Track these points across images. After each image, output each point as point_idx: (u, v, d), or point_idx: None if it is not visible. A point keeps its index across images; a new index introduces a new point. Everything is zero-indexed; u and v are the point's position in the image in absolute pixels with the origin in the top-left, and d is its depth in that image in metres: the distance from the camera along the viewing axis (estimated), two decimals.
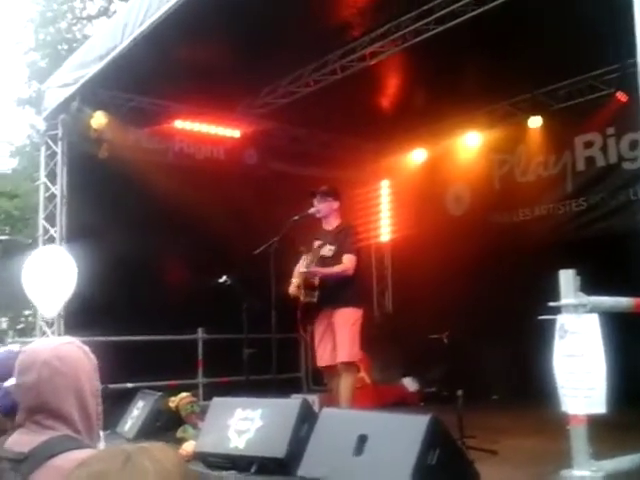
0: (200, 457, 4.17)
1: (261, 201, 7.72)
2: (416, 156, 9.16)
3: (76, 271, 6.37)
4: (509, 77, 6.69)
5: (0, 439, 1.66)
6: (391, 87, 7.80)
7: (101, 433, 1.84)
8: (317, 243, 5.41)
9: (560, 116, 7.57)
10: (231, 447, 4.00)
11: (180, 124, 7.86)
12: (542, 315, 2.70)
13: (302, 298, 5.31)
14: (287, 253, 5.54)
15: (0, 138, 25.92)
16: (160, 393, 5.93)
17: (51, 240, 7.09)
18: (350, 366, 5.29)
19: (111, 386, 5.33)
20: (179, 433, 5.40)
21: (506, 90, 7.49)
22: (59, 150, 7.25)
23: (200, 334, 7.49)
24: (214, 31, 5.77)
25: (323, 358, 5.39)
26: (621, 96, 6.88)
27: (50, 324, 6.94)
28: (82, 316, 6.48)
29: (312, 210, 5.51)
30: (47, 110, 7.39)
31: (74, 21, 20.91)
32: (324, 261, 5.31)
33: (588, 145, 7.53)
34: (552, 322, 2.68)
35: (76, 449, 1.53)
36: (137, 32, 5.59)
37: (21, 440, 1.59)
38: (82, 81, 6.57)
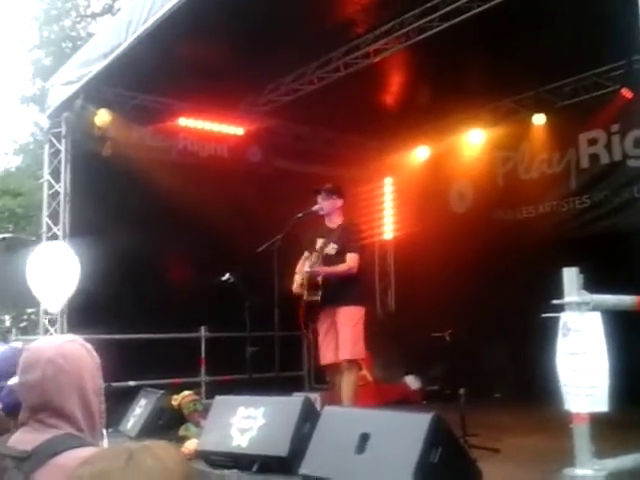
0: (202, 455, 4.17)
1: (264, 199, 7.71)
2: (419, 153, 9.15)
3: (79, 268, 6.38)
4: (513, 74, 6.67)
5: (3, 437, 1.66)
6: (395, 84, 7.79)
7: (104, 431, 1.84)
8: (320, 242, 5.40)
9: (564, 113, 7.55)
10: (233, 445, 4.00)
11: (184, 122, 7.86)
12: (545, 313, 2.70)
13: (305, 297, 5.32)
14: (290, 251, 5.54)
15: (4, 136, 26.02)
16: (162, 391, 5.93)
17: (54, 237, 7.10)
18: (352, 364, 5.29)
19: (114, 384, 5.36)
20: (181, 431, 5.41)
21: (510, 87, 7.47)
22: (63, 148, 7.26)
23: (203, 332, 7.49)
24: (218, 29, 5.77)
25: (326, 356, 5.39)
26: (626, 93, 6.86)
27: (53, 322, 6.96)
28: (85, 314, 6.49)
29: (315, 207, 5.51)
30: (51, 108, 7.40)
31: (78, 19, 20.93)
32: (327, 259, 5.31)
33: (592, 142, 7.51)
34: (555, 320, 2.68)
35: (79, 447, 1.54)
36: (141, 30, 5.59)
37: (24, 438, 1.60)
38: (86, 79, 6.57)
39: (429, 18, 6.06)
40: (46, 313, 7.03)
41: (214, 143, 8.26)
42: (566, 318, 2.64)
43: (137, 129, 7.51)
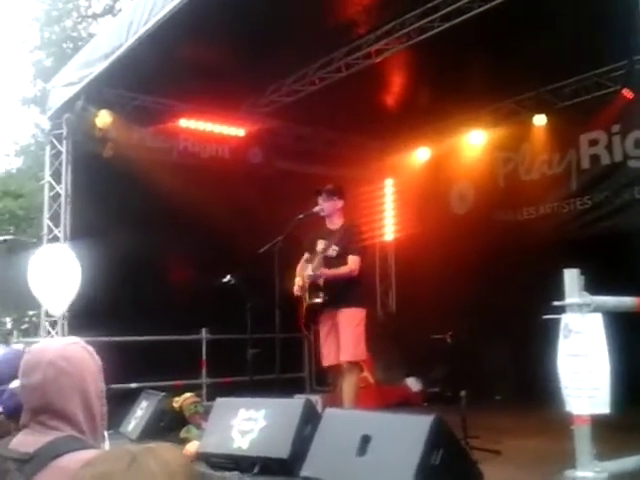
0: (203, 457, 4.17)
1: (266, 200, 7.71)
2: (420, 154, 9.15)
3: (80, 270, 6.38)
4: (514, 75, 6.67)
5: (4, 440, 1.66)
6: (396, 85, 7.79)
7: (105, 433, 1.84)
8: (321, 245, 5.40)
9: (565, 114, 7.55)
10: (234, 447, 4.01)
11: (185, 123, 7.87)
12: (546, 314, 2.69)
13: (307, 299, 5.32)
14: (291, 252, 5.54)
15: (5, 137, 26.04)
16: (164, 393, 5.94)
17: (55, 239, 7.10)
18: (353, 366, 5.29)
19: (115, 386, 5.35)
20: (183, 433, 5.42)
21: (511, 88, 7.46)
22: (64, 149, 7.26)
23: (204, 334, 7.49)
24: (219, 30, 5.77)
25: (328, 358, 5.39)
26: (627, 93, 6.85)
27: (54, 324, 6.96)
28: (86, 316, 6.48)
29: (316, 208, 5.52)
30: (52, 109, 7.40)
31: (79, 19, 20.96)
32: (329, 261, 5.31)
33: (593, 143, 7.50)
34: (556, 321, 2.68)
35: (81, 449, 1.53)
36: (142, 31, 5.59)
37: (26, 440, 1.59)
38: (87, 80, 6.57)
39: (430, 18, 6.06)
40: (47, 315, 7.03)
41: (215, 144, 8.26)
42: (567, 319, 2.64)
43: (138, 130, 7.51)
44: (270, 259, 5.35)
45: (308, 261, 5.50)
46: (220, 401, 4.50)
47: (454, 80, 6.73)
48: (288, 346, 5.85)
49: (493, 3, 5.51)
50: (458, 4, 5.80)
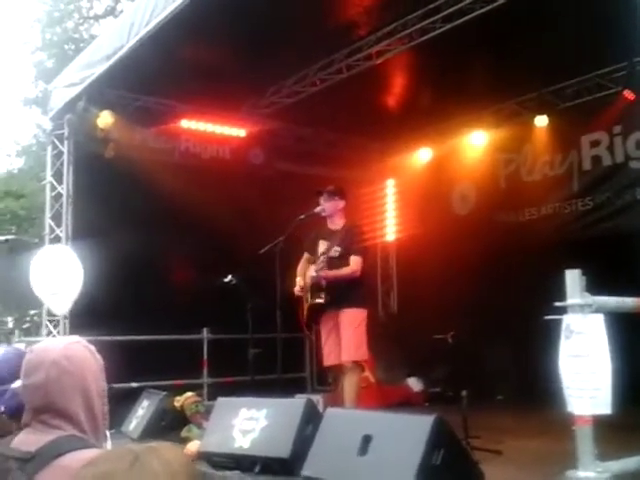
0: (204, 457, 4.17)
1: (267, 200, 7.72)
2: (422, 155, 9.15)
3: (82, 270, 6.39)
4: (516, 76, 6.66)
5: (6, 439, 1.66)
6: (397, 86, 7.79)
7: (107, 433, 1.84)
8: (323, 246, 5.40)
9: (566, 115, 7.55)
10: (235, 447, 4.01)
11: (186, 124, 7.87)
12: (548, 315, 2.70)
13: (309, 299, 5.33)
14: (293, 252, 5.55)
15: (7, 138, 26.07)
16: (165, 393, 5.94)
17: (57, 240, 7.11)
18: (355, 366, 5.30)
19: (116, 385, 5.35)
20: (184, 433, 5.42)
21: (513, 89, 7.47)
22: (65, 150, 7.26)
23: (205, 334, 7.49)
24: (220, 31, 5.77)
25: (329, 358, 5.40)
26: (628, 94, 6.85)
27: (56, 323, 6.97)
28: (88, 315, 6.48)
29: (318, 209, 5.52)
30: (53, 110, 7.41)
31: (81, 21, 20.97)
32: (331, 262, 5.31)
33: (594, 144, 7.50)
34: (558, 322, 2.68)
35: (83, 449, 1.54)
36: (143, 32, 5.60)
37: (28, 440, 1.60)
38: (89, 81, 6.58)
39: (432, 19, 6.06)
40: (49, 315, 7.04)
41: (216, 145, 8.27)
42: (569, 320, 2.64)
43: (140, 131, 7.52)
44: (271, 259, 5.35)
45: (310, 262, 5.50)
46: (221, 401, 4.50)
47: (456, 81, 6.73)
48: (289, 346, 5.85)
49: (495, 4, 5.51)
50: (460, 5, 5.79)
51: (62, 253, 6.62)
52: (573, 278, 2.62)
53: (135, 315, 6.69)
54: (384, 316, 9.35)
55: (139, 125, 7.46)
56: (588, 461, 2.52)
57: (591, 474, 2.51)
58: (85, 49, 8.13)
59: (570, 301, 2.61)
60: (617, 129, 7.25)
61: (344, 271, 5.27)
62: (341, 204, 5.55)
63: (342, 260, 5.31)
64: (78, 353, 1.69)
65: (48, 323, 7.07)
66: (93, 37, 16.51)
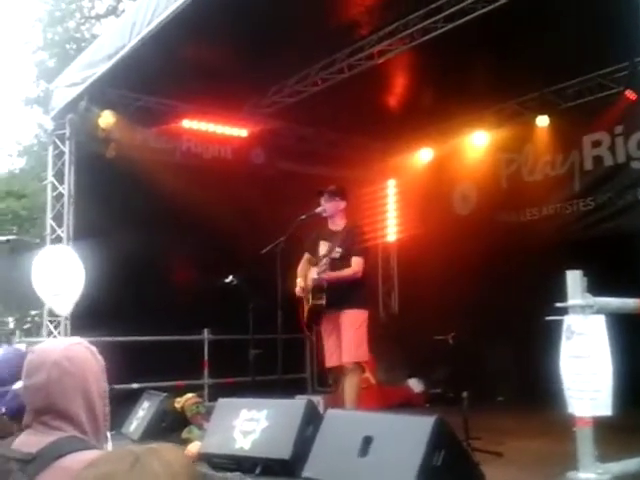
0: (205, 458, 4.18)
1: (268, 200, 7.71)
2: (423, 155, 9.15)
3: (83, 271, 6.39)
4: (517, 76, 6.66)
5: (7, 440, 1.66)
6: (399, 86, 7.79)
7: (108, 434, 1.84)
8: (325, 248, 5.40)
9: (568, 115, 7.54)
10: (236, 448, 4.01)
11: (187, 123, 7.87)
12: (549, 316, 2.69)
13: (310, 300, 5.32)
14: (294, 253, 5.54)
15: (8, 137, 26.09)
16: (166, 394, 5.93)
17: (58, 240, 7.11)
18: (356, 367, 5.29)
19: (117, 386, 5.34)
20: (184, 434, 5.41)
21: (514, 89, 7.46)
22: (67, 150, 7.26)
23: (206, 335, 7.49)
24: (221, 31, 5.77)
25: (330, 359, 5.39)
26: (630, 94, 6.84)
27: (57, 324, 6.97)
28: (88, 316, 6.47)
29: (319, 209, 5.52)
30: (55, 109, 7.41)
31: (82, 20, 20.98)
32: (332, 263, 5.31)
33: (596, 144, 7.50)
34: (559, 323, 2.68)
35: (84, 450, 1.54)
36: (145, 32, 5.60)
37: (29, 441, 1.60)
38: (90, 80, 6.58)
39: (433, 19, 6.05)
40: (50, 315, 7.04)
41: (218, 145, 8.27)
42: (570, 321, 2.64)
43: (141, 131, 7.52)
44: (272, 260, 5.35)
45: (311, 262, 5.50)
46: (222, 402, 4.50)
47: (457, 81, 6.72)
48: (290, 347, 5.84)
49: (497, 4, 5.51)
50: (462, 5, 5.79)
51: (63, 253, 6.62)
52: (574, 279, 2.62)
53: (136, 316, 6.69)
54: (385, 317, 9.35)
55: (140, 125, 7.46)
56: (589, 462, 2.52)
57: (591, 475, 2.51)
58: (87, 49, 8.13)
59: (571, 302, 2.61)
60: (619, 129, 7.25)
61: (346, 272, 5.27)
62: (342, 205, 5.54)
63: (343, 261, 5.30)
64: (79, 354, 1.68)
65: (49, 324, 7.07)
66: (95, 37, 16.52)
